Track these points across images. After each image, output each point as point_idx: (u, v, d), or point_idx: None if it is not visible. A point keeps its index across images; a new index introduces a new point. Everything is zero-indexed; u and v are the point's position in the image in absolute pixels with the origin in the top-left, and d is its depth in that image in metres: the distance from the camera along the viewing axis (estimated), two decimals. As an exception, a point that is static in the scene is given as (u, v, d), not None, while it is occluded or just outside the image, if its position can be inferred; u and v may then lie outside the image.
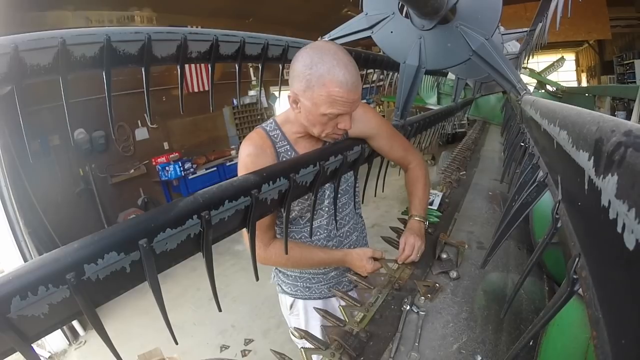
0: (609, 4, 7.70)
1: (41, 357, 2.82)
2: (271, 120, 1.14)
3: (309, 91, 0.91)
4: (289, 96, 0.98)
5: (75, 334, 3.10)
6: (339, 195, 1.19)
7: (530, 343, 0.79)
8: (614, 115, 0.62)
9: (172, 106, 5.22)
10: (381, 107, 9.62)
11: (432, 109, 3.92)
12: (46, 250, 1.84)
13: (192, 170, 5.61)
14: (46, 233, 3.81)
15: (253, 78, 6.97)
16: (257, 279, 0.77)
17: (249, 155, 1.04)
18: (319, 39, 1.24)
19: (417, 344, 0.85)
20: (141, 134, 5.49)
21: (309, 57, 0.90)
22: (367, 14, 1.22)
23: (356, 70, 0.92)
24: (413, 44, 1.18)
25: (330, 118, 0.95)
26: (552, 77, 6.19)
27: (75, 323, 3.06)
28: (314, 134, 1.02)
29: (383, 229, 2.04)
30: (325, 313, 0.98)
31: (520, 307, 0.99)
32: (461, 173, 2.18)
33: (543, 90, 4.78)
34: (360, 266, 1.14)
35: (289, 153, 1.09)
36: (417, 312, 0.95)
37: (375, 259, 1.16)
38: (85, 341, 3.06)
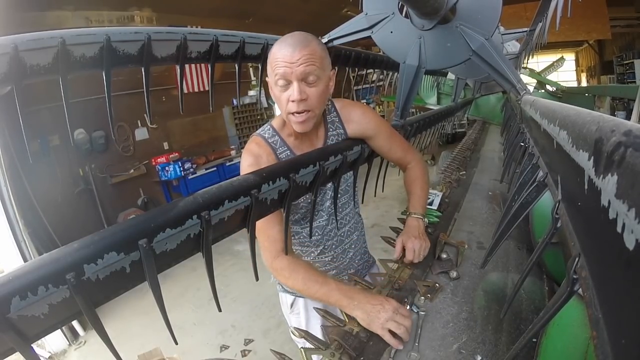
0: (609, 4, 7.70)
1: (41, 357, 2.82)
2: (268, 126, 1.12)
3: (268, 66, 0.94)
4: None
5: (75, 334, 3.10)
6: (339, 195, 1.19)
7: (534, 340, 0.79)
8: (614, 115, 0.62)
9: (172, 106, 5.22)
10: (381, 107, 9.62)
11: (432, 109, 3.92)
12: (46, 250, 1.84)
13: (192, 170, 5.61)
14: (46, 233, 3.80)
15: (253, 78, 6.97)
16: (257, 279, 0.77)
17: (251, 166, 1.02)
18: (319, 38, 1.24)
19: (417, 344, 0.85)
20: (141, 134, 5.49)
21: None
22: (367, 14, 1.22)
23: (305, 38, 0.91)
24: (413, 44, 1.18)
25: (281, 90, 0.93)
26: (552, 77, 6.20)
27: (75, 323, 3.06)
28: (284, 117, 1.01)
29: (383, 229, 2.04)
30: (325, 313, 0.98)
31: (520, 307, 0.99)
32: (461, 173, 2.18)
33: (543, 90, 4.78)
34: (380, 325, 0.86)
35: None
36: (417, 312, 0.95)
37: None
38: (85, 341, 3.06)
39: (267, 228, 0.99)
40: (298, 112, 0.94)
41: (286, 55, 0.88)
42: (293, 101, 0.92)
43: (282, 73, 0.90)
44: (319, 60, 0.91)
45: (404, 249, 1.14)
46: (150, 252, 0.50)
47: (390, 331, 0.84)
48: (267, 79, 0.98)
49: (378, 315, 0.86)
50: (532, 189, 0.65)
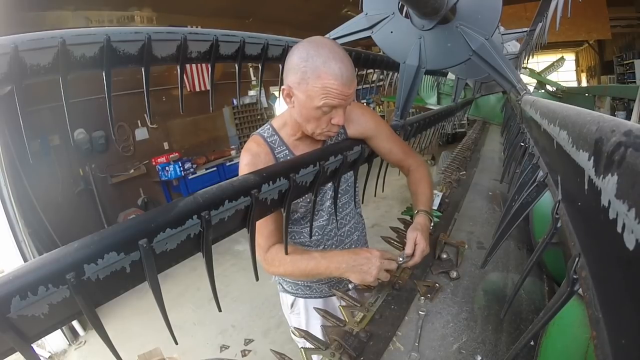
0: (609, 4, 7.70)
1: (41, 357, 2.82)
2: (268, 125, 1.13)
3: (304, 84, 0.90)
4: (282, 89, 0.96)
5: (75, 334, 3.10)
6: (339, 195, 1.19)
7: (531, 343, 0.79)
8: (614, 115, 0.62)
9: (172, 106, 5.23)
10: (381, 107, 9.62)
11: (432, 109, 3.92)
12: (46, 250, 1.84)
13: (192, 170, 5.61)
14: (46, 233, 3.81)
15: (253, 78, 6.97)
16: (257, 279, 0.77)
17: (248, 165, 1.03)
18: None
19: (417, 344, 0.85)
20: (141, 134, 5.49)
21: (305, 50, 0.90)
22: (367, 14, 1.22)
23: (351, 65, 0.92)
24: (413, 44, 1.18)
25: (324, 112, 0.93)
26: (552, 77, 6.20)
27: (75, 323, 3.06)
28: (308, 131, 1.00)
29: (383, 229, 2.04)
30: (325, 313, 0.98)
31: (520, 307, 0.99)
32: (461, 173, 2.18)
33: (543, 90, 4.78)
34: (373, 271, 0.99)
35: (288, 158, 1.09)
36: (417, 311, 0.95)
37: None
38: (85, 341, 3.06)
39: (261, 227, 0.99)
40: (336, 131, 1.02)
41: (344, 88, 0.90)
42: (338, 125, 0.98)
43: (336, 104, 0.92)
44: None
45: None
46: (151, 252, 0.50)
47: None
48: (295, 91, 0.93)
49: (369, 272, 0.97)
50: (532, 189, 0.65)
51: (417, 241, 1.07)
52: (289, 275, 1.17)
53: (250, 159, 1.04)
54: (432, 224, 1.27)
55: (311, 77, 0.89)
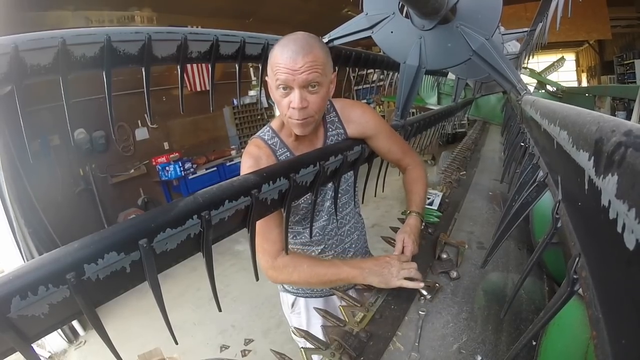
0: (609, 4, 7.70)
1: (41, 357, 2.82)
2: (267, 127, 1.12)
3: (269, 69, 0.93)
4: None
5: (75, 334, 3.10)
6: (339, 195, 1.19)
7: (533, 342, 0.78)
8: (614, 115, 0.62)
9: (172, 106, 5.23)
10: (381, 107, 9.61)
11: (432, 109, 3.92)
12: (46, 250, 1.84)
13: (192, 170, 5.60)
14: (46, 233, 3.80)
15: (253, 78, 6.96)
16: (257, 279, 0.77)
17: (250, 168, 1.01)
18: (321, 39, 1.23)
19: (417, 344, 0.85)
20: (141, 134, 5.49)
21: None
22: (367, 14, 1.22)
23: (307, 42, 0.88)
24: (413, 44, 1.18)
25: (282, 95, 0.92)
26: (552, 77, 6.19)
27: (75, 323, 3.06)
28: (284, 120, 1.00)
29: (383, 229, 2.04)
30: (325, 313, 0.98)
31: (520, 307, 0.99)
32: (461, 173, 2.18)
33: (543, 90, 4.78)
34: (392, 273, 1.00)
35: None
36: (417, 311, 0.95)
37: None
38: (85, 341, 3.06)
39: (267, 231, 0.98)
40: (298, 118, 0.93)
41: (288, 61, 0.86)
42: (294, 108, 0.91)
43: (284, 80, 0.88)
44: (322, 67, 0.89)
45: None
46: (151, 252, 0.50)
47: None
48: (267, 79, 0.97)
49: (390, 272, 0.98)
50: (533, 189, 0.65)
51: (405, 243, 1.10)
52: (303, 283, 1.10)
53: (252, 162, 1.02)
54: (424, 225, 1.27)
55: (269, 61, 0.91)
